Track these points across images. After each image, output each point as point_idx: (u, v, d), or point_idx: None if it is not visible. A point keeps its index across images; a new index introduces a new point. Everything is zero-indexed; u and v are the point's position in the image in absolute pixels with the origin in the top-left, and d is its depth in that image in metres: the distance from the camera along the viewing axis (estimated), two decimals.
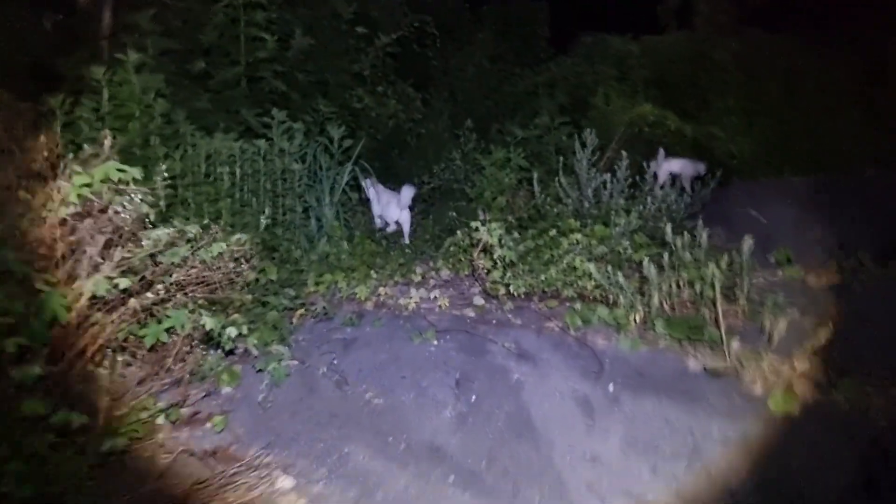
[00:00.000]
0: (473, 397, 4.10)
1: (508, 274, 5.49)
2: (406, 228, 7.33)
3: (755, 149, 10.57)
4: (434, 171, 8.90)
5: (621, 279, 5.00)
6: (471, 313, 5.40)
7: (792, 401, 3.95)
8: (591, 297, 5.42)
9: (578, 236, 6.07)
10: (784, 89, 11.06)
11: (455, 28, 12.01)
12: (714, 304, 4.89)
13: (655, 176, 7.51)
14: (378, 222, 7.37)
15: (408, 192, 7.29)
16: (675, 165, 9.12)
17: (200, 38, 7.61)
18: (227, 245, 3.92)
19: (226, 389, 4.14)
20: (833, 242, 6.76)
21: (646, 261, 5.05)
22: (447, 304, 5.52)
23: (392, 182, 9.02)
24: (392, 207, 7.23)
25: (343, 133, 7.11)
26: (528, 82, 11.44)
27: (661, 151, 8.97)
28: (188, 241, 3.84)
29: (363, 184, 7.57)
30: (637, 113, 10.43)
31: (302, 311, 5.23)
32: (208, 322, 3.75)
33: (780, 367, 4.32)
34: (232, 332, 3.93)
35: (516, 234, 6.82)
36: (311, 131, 7.68)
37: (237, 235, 4.06)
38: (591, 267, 5.30)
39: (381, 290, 5.72)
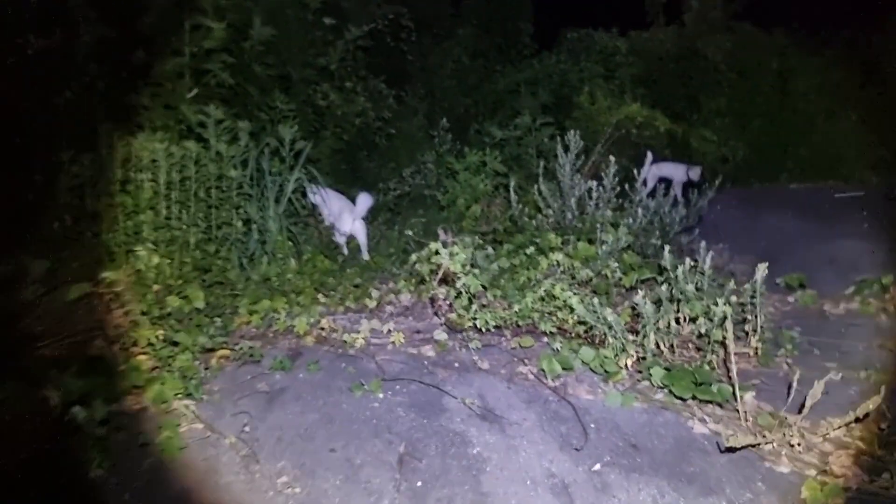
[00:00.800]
0: (419, 483, 3.02)
1: (474, 307, 4.39)
2: (363, 242, 6.24)
3: (749, 153, 9.53)
4: (403, 175, 7.80)
5: (609, 316, 3.92)
6: (429, 352, 4.33)
7: (833, 492, 2.89)
8: (573, 333, 4.35)
9: (559, 256, 5.00)
10: (779, 90, 10.03)
11: (433, 22, 10.89)
12: (723, 348, 3.84)
13: (644, 182, 6.42)
14: (338, 237, 6.26)
15: (363, 202, 6.19)
16: (666, 169, 8.10)
17: (139, 24, 6.47)
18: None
19: (96, 472, 3.04)
20: (846, 261, 5.71)
21: (640, 295, 3.98)
22: (402, 340, 4.44)
23: (360, 186, 7.94)
24: (345, 217, 6.13)
25: (295, 133, 5.99)
26: (510, 80, 10.34)
27: (649, 154, 7.93)
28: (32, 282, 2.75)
29: (308, 190, 6.45)
30: (624, 113, 9.36)
31: (224, 351, 4.13)
32: (53, 396, 2.65)
33: (812, 438, 3.27)
34: (99, 410, 2.84)
35: (490, 250, 5.77)
36: (266, 130, 6.59)
37: (105, 274, 2.94)
38: (574, 300, 4.22)
39: (325, 322, 4.62)
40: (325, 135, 8.07)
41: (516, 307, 4.50)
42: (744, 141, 9.51)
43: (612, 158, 5.98)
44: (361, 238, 6.23)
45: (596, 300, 4.08)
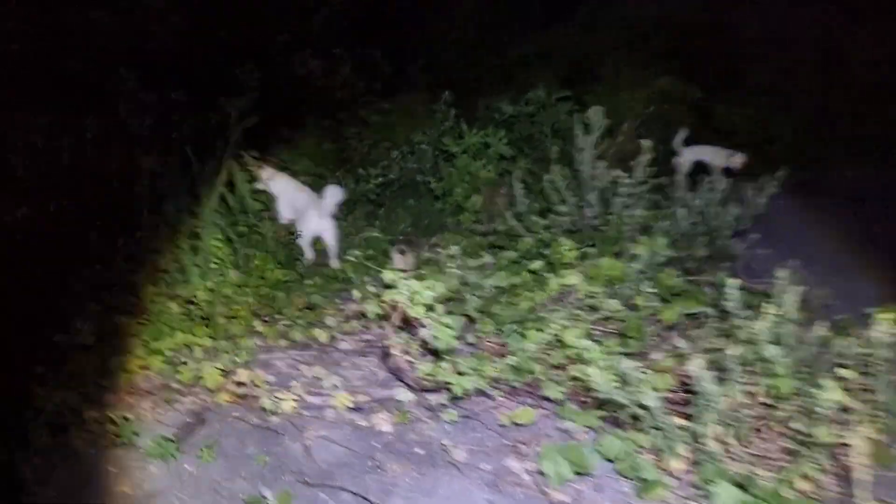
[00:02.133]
0: None
1: (445, 366, 2.86)
2: (331, 245, 4.71)
3: (794, 133, 7.82)
4: (393, 157, 6.24)
5: (649, 399, 2.39)
6: (384, 425, 2.84)
7: None
8: (591, 403, 2.81)
9: (575, 279, 3.47)
10: (825, 63, 8.32)
11: None
12: (830, 451, 2.31)
13: (675, 166, 4.81)
14: (300, 239, 4.71)
15: (332, 195, 4.67)
16: (703, 153, 6.48)
17: None
18: None
19: None
20: None
21: (695, 364, 2.44)
22: (348, 403, 2.95)
23: (346, 168, 6.41)
24: (309, 214, 4.62)
25: (243, 104, 4.46)
26: (521, 52, 8.68)
27: (682, 132, 6.32)
28: None
29: (261, 176, 4.92)
30: (653, 88, 7.70)
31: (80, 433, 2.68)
32: None
33: None
34: None
35: (486, 258, 4.25)
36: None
37: None
38: (593, 354, 2.70)
39: (244, 374, 3.12)
40: (303, 110, 6.53)
41: (511, 359, 2.97)
42: (787, 120, 7.81)
43: (646, 144, 4.38)
44: (330, 240, 4.71)
45: (627, 363, 2.54)
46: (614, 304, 3.35)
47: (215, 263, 4.00)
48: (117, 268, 3.62)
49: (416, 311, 2.72)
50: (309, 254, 4.72)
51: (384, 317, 2.98)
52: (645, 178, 4.39)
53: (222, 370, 3.16)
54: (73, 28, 4.89)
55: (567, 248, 3.93)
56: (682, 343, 3.18)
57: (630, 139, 6.45)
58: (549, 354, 3.05)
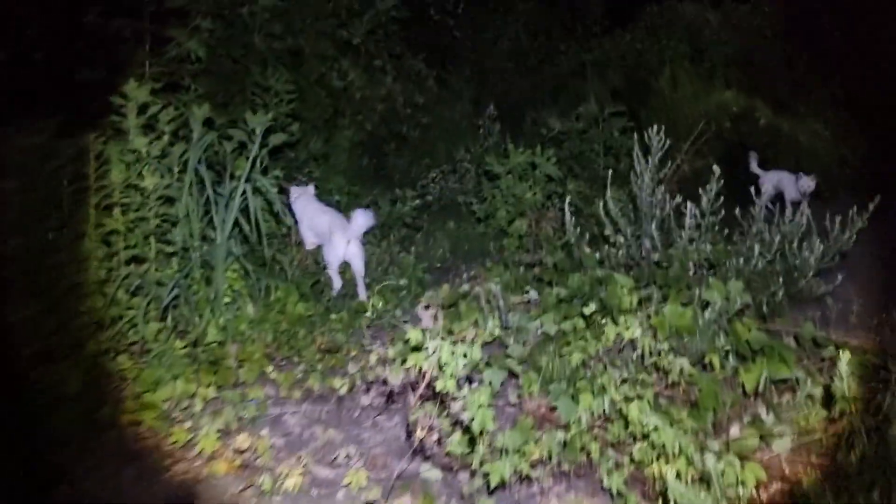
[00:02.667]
0: None
1: (481, 449, 2.32)
2: (359, 272, 4.22)
3: (869, 153, 7.08)
4: (433, 177, 5.74)
5: None
6: None
7: None
8: (661, 499, 2.24)
9: (636, 330, 2.91)
10: None
11: None
12: None
13: (758, 193, 4.18)
14: (328, 267, 4.23)
15: (362, 220, 4.17)
16: (781, 178, 5.83)
17: None
18: None
19: None
20: None
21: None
22: (364, 482, 2.43)
23: (384, 186, 5.94)
24: (336, 239, 4.13)
25: (268, 120, 4.00)
26: (575, 61, 8.10)
27: (753, 155, 5.68)
28: None
29: (291, 196, 4.51)
30: (715, 102, 7.06)
31: None
32: None
33: None
34: None
35: (532, 294, 3.73)
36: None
37: None
38: (667, 470, 2.14)
39: (244, 439, 2.63)
40: (341, 123, 6.08)
41: (560, 434, 2.43)
42: (865, 138, 7.08)
43: (716, 169, 3.78)
44: (357, 268, 4.21)
45: (710, 460, 1.97)
46: (684, 365, 2.78)
47: (229, 297, 3.54)
48: (118, 301, 3.17)
49: (447, 385, 2.19)
50: (337, 283, 4.23)
51: (410, 385, 2.45)
52: (714, 207, 3.79)
53: (222, 431, 2.67)
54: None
55: (625, 288, 3.36)
56: (768, 417, 2.61)
57: (690, 161, 5.85)
58: (606, 428, 2.50)
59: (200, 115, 3.87)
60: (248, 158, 4.06)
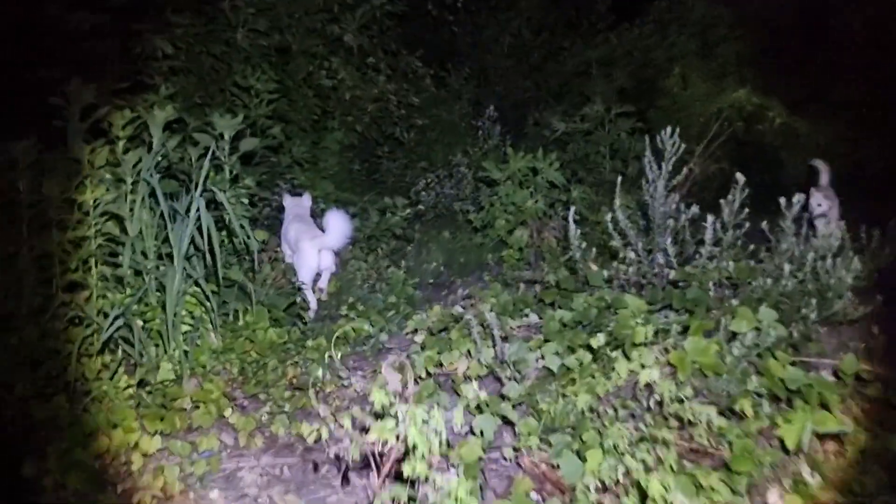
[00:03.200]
0: None
1: None
2: (324, 278, 3.81)
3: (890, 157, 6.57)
4: (428, 182, 5.26)
5: None
6: None
7: None
8: None
9: (652, 371, 2.43)
10: None
11: None
12: None
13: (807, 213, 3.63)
14: (301, 283, 3.78)
15: (337, 224, 3.71)
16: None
17: None
18: None
19: None
20: None
21: None
22: None
23: (376, 193, 5.47)
24: (304, 248, 3.68)
25: (237, 123, 3.53)
26: (579, 59, 7.60)
27: (824, 168, 4.83)
28: None
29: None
30: (727, 101, 6.56)
31: None
32: None
33: None
34: None
35: (531, 317, 3.26)
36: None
37: None
38: None
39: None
40: (330, 125, 5.61)
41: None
42: (887, 141, 6.57)
43: (739, 178, 3.29)
44: (324, 274, 3.80)
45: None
46: (712, 415, 2.29)
47: (189, 324, 3.06)
48: (53, 335, 2.71)
49: (417, 468, 1.71)
50: (313, 303, 3.78)
51: (371, 464, 1.96)
52: (737, 219, 3.30)
53: (160, 500, 2.21)
54: None
55: (637, 315, 2.89)
56: (814, 479, 2.14)
57: (702, 165, 5.35)
58: (619, 499, 2.02)
59: (161, 118, 3.41)
60: (216, 167, 3.61)
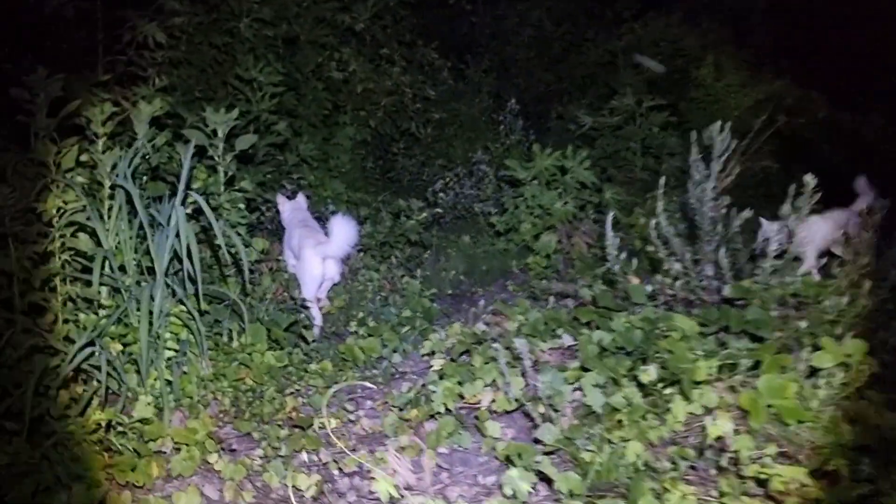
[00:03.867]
0: None
1: None
2: (324, 288, 3.41)
3: None
4: (446, 181, 4.79)
5: None
6: None
7: None
8: None
9: (726, 423, 1.95)
10: None
11: None
12: None
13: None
14: (300, 283, 3.38)
15: (341, 231, 3.27)
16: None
17: None
18: None
19: None
20: None
21: None
22: None
23: (389, 193, 5.02)
24: (307, 257, 3.27)
25: (233, 119, 3.09)
26: (604, 49, 7.05)
27: (865, 189, 4.18)
28: None
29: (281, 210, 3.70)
30: (765, 93, 6.02)
31: None
32: None
33: None
34: None
35: (564, 337, 2.81)
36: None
37: None
38: None
39: None
40: (341, 120, 5.15)
41: None
42: None
43: (810, 181, 2.78)
44: (325, 283, 3.39)
45: None
46: (797, 476, 1.82)
47: (173, 349, 2.62)
48: (12, 365, 2.27)
49: None
50: (317, 318, 3.34)
51: None
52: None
53: None
54: None
55: (690, 337, 2.41)
56: None
57: (744, 163, 4.80)
58: None
59: (147, 113, 2.97)
60: (210, 168, 3.16)
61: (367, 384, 2.87)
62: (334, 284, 3.59)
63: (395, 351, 3.20)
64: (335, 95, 5.11)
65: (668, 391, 2.30)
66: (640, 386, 2.33)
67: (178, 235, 2.51)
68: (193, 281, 2.50)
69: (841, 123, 5.92)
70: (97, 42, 3.56)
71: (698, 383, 2.19)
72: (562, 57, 7.30)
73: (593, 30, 7.41)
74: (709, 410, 2.16)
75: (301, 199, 3.91)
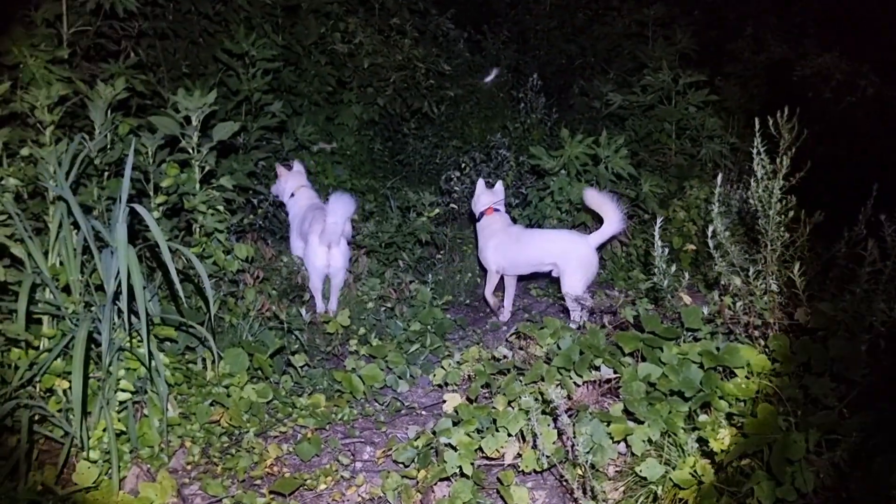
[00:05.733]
0: None
1: None
2: (336, 285, 2.96)
3: None
4: (462, 167, 4.19)
5: None
6: None
7: None
8: None
9: None
10: None
11: None
12: None
13: None
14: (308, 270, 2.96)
15: (339, 207, 2.77)
16: None
17: None
18: None
19: None
20: None
21: None
22: None
23: (400, 178, 4.47)
24: (312, 241, 2.84)
25: (209, 103, 2.52)
26: (631, 19, 6.35)
27: None
28: None
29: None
30: (811, 67, 5.35)
31: None
32: None
33: None
34: None
35: (602, 369, 2.26)
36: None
37: None
38: None
39: None
40: (346, 97, 4.55)
41: None
42: None
43: None
44: (337, 281, 2.93)
45: None
46: None
47: (128, 390, 2.09)
48: None
49: None
50: (320, 307, 2.90)
51: None
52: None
53: None
54: None
55: (762, 380, 1.87)
56: None
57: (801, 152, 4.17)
58: None
59: (107, 97, 2.41)
60: (182, 162, 2.61)
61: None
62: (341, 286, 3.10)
63: (400, 377, 2.66)
64: (339, 70, 4.51)
65: (744, 462, 1.75)
66: (708, 454, 1.79)
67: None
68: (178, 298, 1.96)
69: (893, 101, 5.24)
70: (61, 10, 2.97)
71: (793, 463, 1.64)
72: (585, 27, 6.62)
73: None
74: (803, 496, 1.62)
75: (298, 166, 3.44)
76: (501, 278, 3.26)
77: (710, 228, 2.53)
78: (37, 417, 1.98)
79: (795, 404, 1.91)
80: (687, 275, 2.66)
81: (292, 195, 3.36)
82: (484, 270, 3.29)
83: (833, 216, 2.53)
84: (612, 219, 2.96)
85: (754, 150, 2.58)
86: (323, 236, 2.92)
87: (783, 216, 2.46)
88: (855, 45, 5.64)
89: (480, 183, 3.38)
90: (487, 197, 3.32)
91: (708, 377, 2.09)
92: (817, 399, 1.91)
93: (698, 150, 4.46)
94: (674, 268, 2.57)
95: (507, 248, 3.15)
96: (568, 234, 3.11)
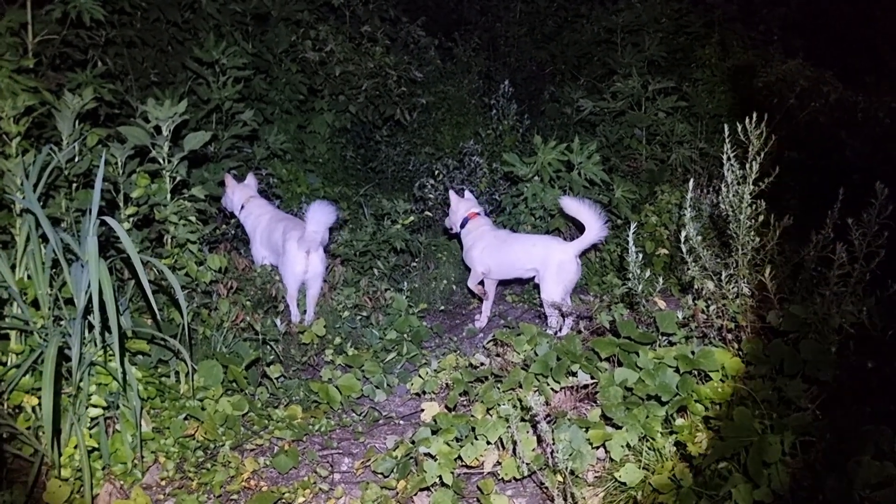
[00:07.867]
0: None
1: None
2: (312, 296, 2.95)
3: None
4: (435, 176, 4.19)
5: None
6: None
7: None
8: None
9: None
10: None
11: None
12: None
13: None
14: (283, 280, 2.94)
15: (318, 216, 2.77)
16: None
17: None
18: None
19: None
20: None
21: None
22: None
23: (372, 186, 4.45)
24: (290, 251, 2.82)
25: (180, 113, 2.48)
26: (600, 26, 6.42)
27: None
28: None
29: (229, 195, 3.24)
30: (775, 74, 5.45)
31: None
32: None
33: None
34: None
35: (580, 375, 2.29)
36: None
37: None
38: None
39: None
40: (318, 105, 4.53)
41: None
42: None
43: (881, 187, 2.23)
44: (314, 291, 2.90)
45: None
46: None
47: (99, 406, 2.04)
48: None
49: None
50: (295, 315, 2.88)
51: None
52: (873, 244, 2.27)
53: None
54: None
55: (737, 382, 1.89)
56: None
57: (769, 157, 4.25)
58: None
59: (74, 107, 2.37)
60: (153, 173, 2.57)
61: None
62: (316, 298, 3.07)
63: (377, 387, 2.65)
64: (311, 78, 4.48)
65: (721, 465, 1.77)
66: (686, 458, 1.80)
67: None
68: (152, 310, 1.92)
69: (855, 106, 5.36)
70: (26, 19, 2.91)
71: (769, 465, 1.66)
72: (555, 34, 6.67)
73: (588, 5, 6.77)
74: (780, 498, 1.64)
75: (251, 179, 3.43)
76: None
77: (683, 233, 2.57)
78: (5, 435, 1.93)
79: (770, 406, 1.94)
80: (661, 279, 2.70)
81: (242, 207, 3.35)
82: (468, 270, 3.30)
83: (801, 220, 2.57)
84: (593, 226, 2.98)
85: (724, 157, 2.64)
86: (301, 242, 2.91)
87: (753, 220, 2.52)
88: (818, 52, 5.77)
89: (453, 195, 3.38)
90: (466, 204, 3.33)
91: (684, 381, 2.11)
92: (791, 401, 1.95)
93: (668, 155, 4.53)
94: (648, 272, 2.61)
95: (495, 250, 3.16)
96: (550, 240, 3.13)
